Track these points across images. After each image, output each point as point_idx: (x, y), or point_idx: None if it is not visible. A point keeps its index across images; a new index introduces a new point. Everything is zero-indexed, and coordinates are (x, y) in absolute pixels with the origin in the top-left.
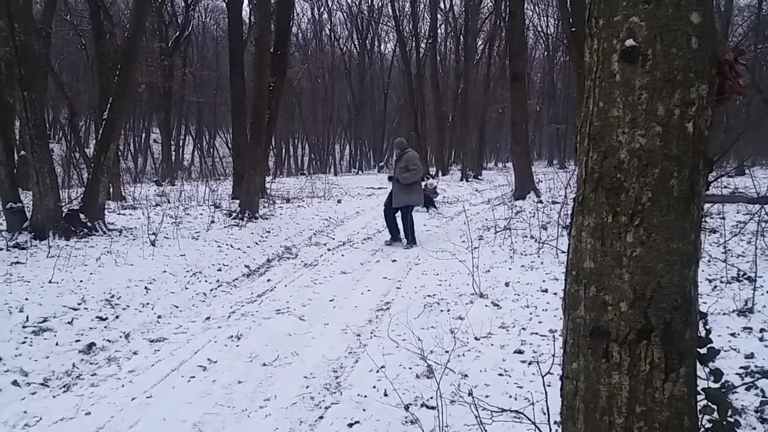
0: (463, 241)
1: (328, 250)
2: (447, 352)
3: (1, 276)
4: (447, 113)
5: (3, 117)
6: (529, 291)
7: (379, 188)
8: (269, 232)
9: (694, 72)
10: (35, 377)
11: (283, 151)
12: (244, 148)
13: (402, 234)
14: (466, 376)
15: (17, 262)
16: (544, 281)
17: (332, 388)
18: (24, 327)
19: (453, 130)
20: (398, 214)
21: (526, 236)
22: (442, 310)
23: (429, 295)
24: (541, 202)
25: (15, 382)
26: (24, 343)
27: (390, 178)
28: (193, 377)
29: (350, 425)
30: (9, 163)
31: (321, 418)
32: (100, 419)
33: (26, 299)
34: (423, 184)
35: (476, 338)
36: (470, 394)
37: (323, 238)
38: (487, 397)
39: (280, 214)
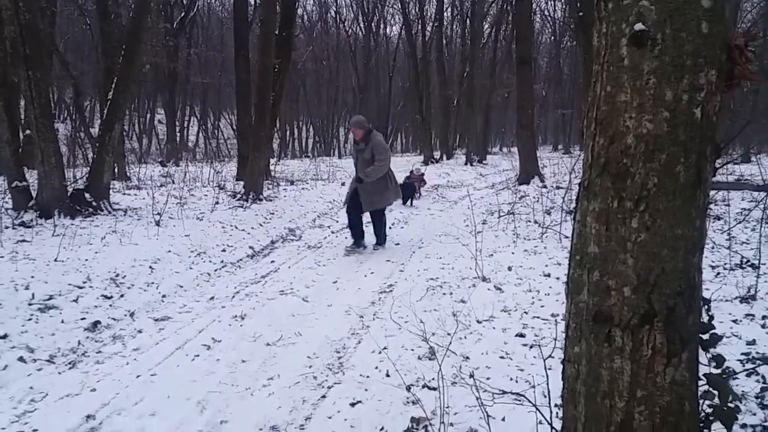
0: (467, 225)
1: (332, 232)
2: (449, 334)
3: (7, 254)
4: (452, 97)
5: (8, 96)
6: (532, 275)
7: None
8: (273, 213)
9: (704, 57)
10: (41, 354)
11: (288, 133)
12: (248, 129)
13: (375, 238)
14: (467, 358)
15: (23, 241)
16: (546, 266)
17: (335, 368)
18: (30, 304)
19: (458, 114)
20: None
21: (529, 221)
22: (444, 293)
23: (432, 278)
24: (545, 187)
25: (21, 359)
26: (30, 320)
27: (359, 180)
28: (198, 356)
29: (352, 405)
30: (14, 142)
31: (324, 397)
32: (105, 396)
33: (32, 277)
34: (409, 171)
35: (478, 321)
36: (472, 376)
37: (327, 221)
38: (488, 379)
39: (284, 196)
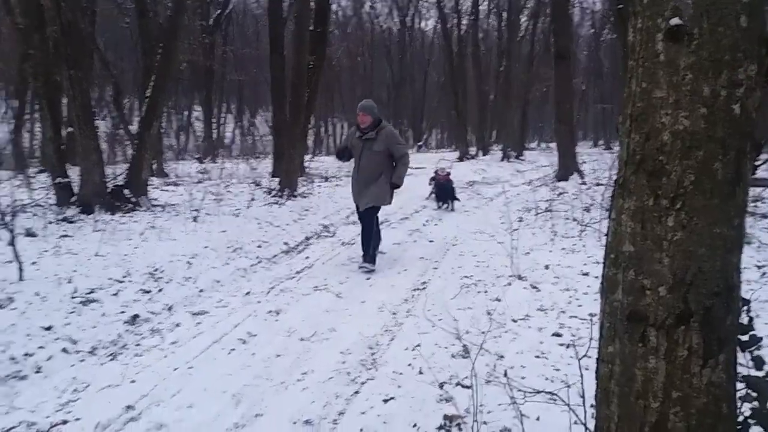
0: (503, 223)
1: None
2: (483, 333)
3: (50, 248)
4: (489, 92)
5: (51, 95)
6: (570, 274)
7: (417, 167)
8: (308, 210)
9: (743, 51)
10: (83, 345)
11: (322, 129)
12: (283, 126)
13: (371, 248)
14: (502, 357)
15: (65, 235)
16: (585, 264)
17: (368, 364)
18: (72, 297)
19: (495, 109)
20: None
21: (568, 218)
22: (479, 292)
23: (466, 276)
24: (584, 183)
25: (65, 350)
26: (73, 312)
27: (341, 155)
28: (234, 350)
29: (385, 401)
30: (57, 140)
31: (357, 393)
32: (144, 387)
33: (74, 271)
34: (433, 171)
35: (513, 320)
36: (505, 374)
37: None
38: (523, 378)
39: (319, 192)
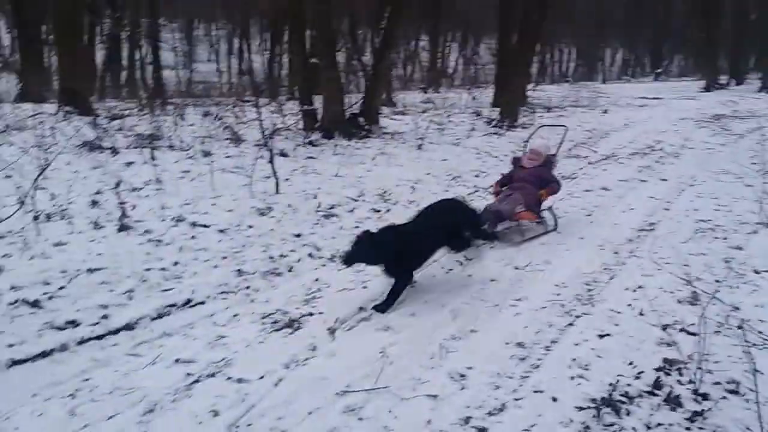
0: (754, 163)
1: (589, 163)
2: (718, 281)
3: (299, 167)
4: (749, 12)
5: (300, 28)
6: None
7: (654, 98)
8: (527, 141)
9: None
10: (325, 252)
11: (547, 56)
12: (508, 54)
13: None
14: (737, 308)
15: (311, 157)
16: None
17: (584, 299)
18: (317, 211)
19: (756, 31)
20: None
21: None
22: (716, 238)
23: (702, 220)
24: None
25: (310, 255)
26: (317, 224)
27: None
28: (452, 270)
29: (600, 336)
30: (303, 70)
31: (571, 324)
32: (373, 293)
33: (318, 188)
34: (515, 156)
35: (756, 271)
36: (740, 327)
37: (584, 151)
38: (760, 332)
39: (540, 123)
